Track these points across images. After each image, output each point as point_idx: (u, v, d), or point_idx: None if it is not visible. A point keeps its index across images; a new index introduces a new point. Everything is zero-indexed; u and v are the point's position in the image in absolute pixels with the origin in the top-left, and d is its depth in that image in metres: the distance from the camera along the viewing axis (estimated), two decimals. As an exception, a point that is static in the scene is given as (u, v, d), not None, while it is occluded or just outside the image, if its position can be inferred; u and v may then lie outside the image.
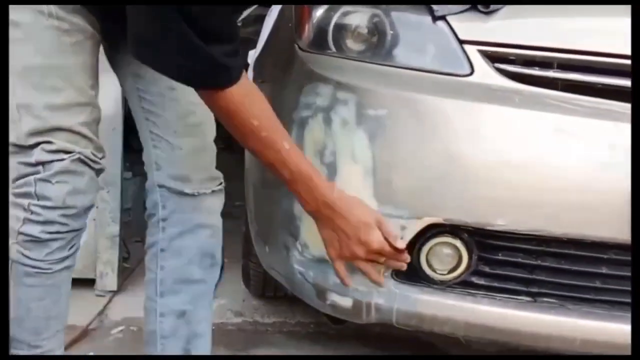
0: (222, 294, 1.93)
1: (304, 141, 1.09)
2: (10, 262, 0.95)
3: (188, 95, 0.97)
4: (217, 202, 1.07)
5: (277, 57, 1.27)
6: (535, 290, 1.06)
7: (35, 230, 0.94)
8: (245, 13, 2.11)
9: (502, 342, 1.07)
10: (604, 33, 1.07)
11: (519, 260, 1.05)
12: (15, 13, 0.91)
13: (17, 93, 0.93)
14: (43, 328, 0.99)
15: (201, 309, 1.05)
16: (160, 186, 1.04)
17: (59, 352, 1.03)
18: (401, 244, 0.93)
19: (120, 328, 1.66)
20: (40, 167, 0.93)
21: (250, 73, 1.49)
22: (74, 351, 1.49)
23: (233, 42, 0.83)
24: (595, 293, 1.05)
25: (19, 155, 0.95)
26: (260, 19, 1.60)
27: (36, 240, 0.94)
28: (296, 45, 1.20)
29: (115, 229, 1.81)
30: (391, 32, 1.10)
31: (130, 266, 2.00)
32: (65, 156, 0.93)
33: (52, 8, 0.91)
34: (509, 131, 1.01)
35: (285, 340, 1.68)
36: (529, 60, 1.06)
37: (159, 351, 1.03)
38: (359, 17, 1.11)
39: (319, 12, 1.14)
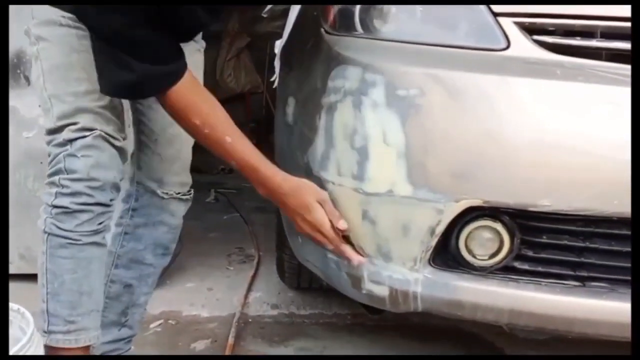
0: (257, 287, 1.93)
1: (333, 126, 1.07)
2: (45, 235, 1.06)
3: None
4: (182, 207, 1.26)
5: (303, 43, 1.24)
6: (584, 274, 1.00)
7: (65, 201, 1.04)
8: (267, 8, 2.08)
9: (550, 329, 1.02)
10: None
11: (566, 242, 1.00)
12: (38, 30, 1.06)
13: (47, 88, 1.07)
14: (77, 302, 1.06)
15: (144, 286, 1.27)
16: (138, 183, 1.22)
17: (96, 332, 1.10)
18: (342, 225, 1.03)
19: (159, 322, 1.68)
20: (68, 145, 1.05)
21: (277, 62, 1.47)
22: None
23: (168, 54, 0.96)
24: (650, 276, 0.99)
25: (51, 139, 1.07)
26: (287, 13, 1.57)
27: (66, 211, 1.04)
28: (322, 29, 1.17)
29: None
30: (421, 8, 1.06)
31: (167, 261, 2.03)
32: (87, 133, 1.05)
33: (69, 20, 1.04)
34: (551, 106, 0.95)
35: (322, 331, 1.66)
36: (570, 30, 1.00)
37: (101, 308, 1.14)
38: (385, -5, 1.08)
39: (344, -7, 1.11)
